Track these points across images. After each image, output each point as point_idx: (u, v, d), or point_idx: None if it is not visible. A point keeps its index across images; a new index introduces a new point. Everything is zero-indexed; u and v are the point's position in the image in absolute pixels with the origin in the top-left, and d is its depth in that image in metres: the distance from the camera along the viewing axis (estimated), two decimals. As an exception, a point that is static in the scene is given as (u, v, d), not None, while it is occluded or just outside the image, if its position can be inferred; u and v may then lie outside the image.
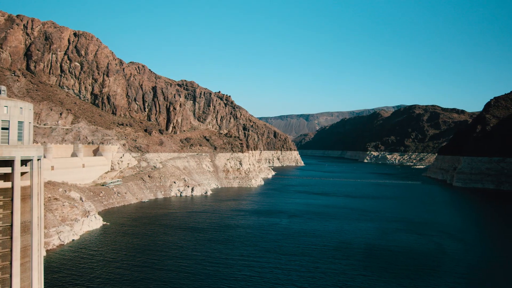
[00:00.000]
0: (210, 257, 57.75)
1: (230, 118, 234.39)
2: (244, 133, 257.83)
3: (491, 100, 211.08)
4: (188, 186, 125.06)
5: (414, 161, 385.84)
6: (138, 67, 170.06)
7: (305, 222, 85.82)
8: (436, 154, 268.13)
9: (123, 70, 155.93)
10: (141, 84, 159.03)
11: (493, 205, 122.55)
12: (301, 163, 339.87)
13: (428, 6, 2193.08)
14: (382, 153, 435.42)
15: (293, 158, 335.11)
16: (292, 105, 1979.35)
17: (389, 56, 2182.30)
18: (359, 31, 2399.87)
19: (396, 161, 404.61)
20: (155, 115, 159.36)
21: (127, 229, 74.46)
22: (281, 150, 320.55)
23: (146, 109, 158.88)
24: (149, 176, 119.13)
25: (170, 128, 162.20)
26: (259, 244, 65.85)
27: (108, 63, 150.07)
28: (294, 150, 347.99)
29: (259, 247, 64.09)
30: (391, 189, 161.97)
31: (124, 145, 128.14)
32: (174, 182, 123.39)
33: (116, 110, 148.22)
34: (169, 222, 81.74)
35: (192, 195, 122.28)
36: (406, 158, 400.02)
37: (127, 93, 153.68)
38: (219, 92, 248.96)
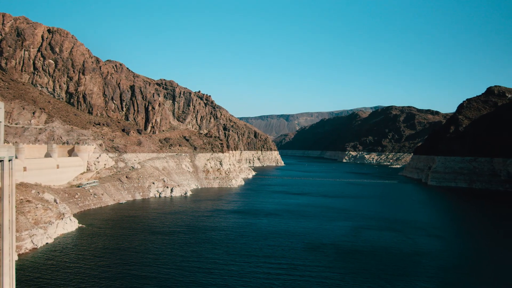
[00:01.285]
0: (189, 261, 57.10)
1: (210, 118, 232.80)
2: (225, 133, 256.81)
3: (463, 101, 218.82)
4: (167, 187, 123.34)
5: (391, 160, 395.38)
6: (116, 65, 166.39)
7: (285, 222, 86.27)
8: (412, 154, 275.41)
9: (100, 68, 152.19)
10: (119, 83, 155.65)
11: (467, 203, 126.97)
12: (281, 163, 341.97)
13: (404, 9, 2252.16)
14: (360, 153, 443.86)
15: (273, 158, 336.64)
16: (272, 105, 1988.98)
17: (367, 57, 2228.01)
18: (336, 33, 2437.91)
19: (374, 161, 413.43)
20: (133, 114, 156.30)
21: (104, 231, 72.66)
22: (261, 150, 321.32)
23: (124, 109, 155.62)
24: (127, 177, 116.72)
25: (149, 128, 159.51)
26: (238, 246, 65.70)
27: (84, 61, 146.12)
28: (275, 150, 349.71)
29: (238, 249, 63.94)
30: (369, 188, 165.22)
31: (100, 145, 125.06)
32: (153, 183, 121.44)
33: (92, 110, 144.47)
34: (148, 224, 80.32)
35: (171, 196, 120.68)
36: (383, 158, 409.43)
37: (104, 92, 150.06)
38: (199, 91, 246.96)
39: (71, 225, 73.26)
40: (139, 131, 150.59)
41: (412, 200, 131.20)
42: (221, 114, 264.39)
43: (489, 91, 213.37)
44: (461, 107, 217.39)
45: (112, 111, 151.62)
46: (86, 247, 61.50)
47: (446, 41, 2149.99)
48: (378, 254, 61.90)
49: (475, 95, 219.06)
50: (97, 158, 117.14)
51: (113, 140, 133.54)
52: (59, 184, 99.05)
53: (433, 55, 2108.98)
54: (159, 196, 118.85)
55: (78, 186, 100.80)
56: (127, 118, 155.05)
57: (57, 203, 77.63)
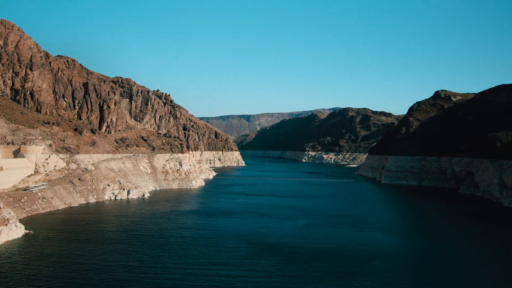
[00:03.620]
0: (144, 266, 55.28)
1: (169, 117, 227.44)
2: (185, 133, 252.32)
3: (414, 104, 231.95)
4: (123, 189, 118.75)
5: (347, 160, 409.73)
6: (67, 61, 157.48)
7: (244, 222, 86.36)
8: (367, 153, 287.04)
9: (50, 64, 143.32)
10: (71, 80, 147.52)
11: (416, 200, 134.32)
12: (242, 163, 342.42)
13: (358, 14, 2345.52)
14: (319, 153, 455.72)
15: (234, 158, 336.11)
16: (233, 105, 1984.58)
17: (325, 59, 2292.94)
18: (295, 36, 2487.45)
19: (332, 161, 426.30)
20: (87, 113, 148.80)
21: (54, 237, 68.40)
22: (222, 151, 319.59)
23: (77, 107, 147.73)
24: (79, 179, 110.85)
25: (104, 128, 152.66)
26: (196, 249, 64.70)
27: (32, 56, 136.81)
28: (236, 150, 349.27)
29: (196, 253, 62.97)
30: (327, 187, 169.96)
31: (50, 145, 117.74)
32: (108, 185, 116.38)
33: (41, 108, 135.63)
34: (102, 228, 76.76)
35: (128, 198, 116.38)
36: (340, 158, 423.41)
37: (54, 89, 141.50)
38: (157, 90, 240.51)
39: (16, 231, 68.15)
40: (93, 131, 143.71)
41: (368, 197, 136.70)
42: (180, 114, 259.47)
43: (437, 95, 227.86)
44: (411, 109, 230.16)
45: (63, 109, 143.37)
46: (33, 255, 57.49)
47: (397, 46, 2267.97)
48: (333, 252, 63.65)
49: (424, 98, 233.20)
50: (47, 159, 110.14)
51: (64, 140, 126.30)
52: (3, 187, 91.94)
53: (386, 58, 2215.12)
54: (115, 199, 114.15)
55: (25, 190, 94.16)
56: (80, 117, 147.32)
57: (0, 208, 71.92)
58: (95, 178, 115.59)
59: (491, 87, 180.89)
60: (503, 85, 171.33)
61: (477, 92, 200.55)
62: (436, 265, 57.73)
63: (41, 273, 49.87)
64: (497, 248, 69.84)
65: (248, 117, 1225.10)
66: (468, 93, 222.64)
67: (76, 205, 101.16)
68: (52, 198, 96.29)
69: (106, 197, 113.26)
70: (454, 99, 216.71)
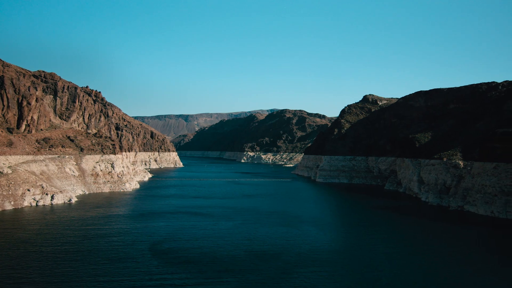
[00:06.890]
0: (68, 279, 50.83)
1: (100, 116, 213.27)
2: (117, 133, 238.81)
3: (345, 107, 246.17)
4: (46, 194, 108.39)
5: (285, 160, 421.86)
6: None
7: (177, 225, 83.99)
8: (303, 153, 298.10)
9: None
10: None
11: (348, 196, 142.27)
12: (180, 164, 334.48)
13: (297, 18, 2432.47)
14: (257, 153, 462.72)
15: (171, 159, 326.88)
16: (171, 105, 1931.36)
17: (263, 62, 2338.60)
18: (234, 37, 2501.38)
19: (270, 161, 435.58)
20: (2, 110, 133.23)
21: (-42, 251, 59.78)
22: (158, 152, 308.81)
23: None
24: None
25: (23, 127, 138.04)
26: (125, 256, 61.25)
27: None
28: (173, 151, 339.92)
29: (125, 260, 59.64)
30: (265, 187, 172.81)
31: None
32: (28, 190, 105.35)
33: None
34: (19, 238, 68.98)
35: (52, 204, 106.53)
36: (278, 158, 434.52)
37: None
38: (86, 87, 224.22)
39: None
40: (9, 130, 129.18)
41: (303, 196, 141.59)
42: (113, 113, 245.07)
43: (365, 98, 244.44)
44: (343, 112, 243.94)
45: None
46: None
47: (330, 51, 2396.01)
48: (269, 254, 64.55)
49: (355, 102, 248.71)
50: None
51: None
52: None
53: (320, 62, 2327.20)
54: (36, 205, 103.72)
55: None
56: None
57: None
58: (13, 182, 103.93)
59: (411, 92, 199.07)
60: (421, 91, 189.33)
61: (399, 97, 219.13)
62: (368, 261, 61.40)
63: None
64: (418, 240, 76.48)
65: (186, 117, 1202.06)
66: (392, 97, 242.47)
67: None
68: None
69: (26, 203, 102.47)
70: (380, 103, 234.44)
